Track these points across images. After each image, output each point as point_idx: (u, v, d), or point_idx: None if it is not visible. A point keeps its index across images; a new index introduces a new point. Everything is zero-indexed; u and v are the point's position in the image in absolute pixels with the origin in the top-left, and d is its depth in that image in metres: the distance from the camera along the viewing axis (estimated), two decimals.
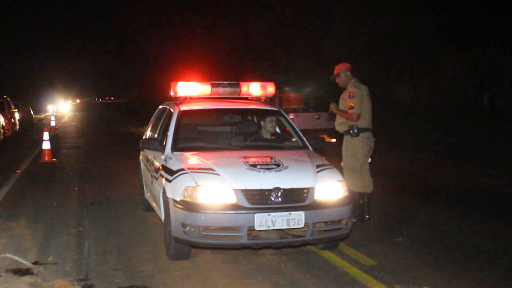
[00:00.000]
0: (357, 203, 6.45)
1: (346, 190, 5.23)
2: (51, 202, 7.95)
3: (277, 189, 4.85)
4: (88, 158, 13.47)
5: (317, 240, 5.14)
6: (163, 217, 5.44)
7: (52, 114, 28.85)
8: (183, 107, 6.36)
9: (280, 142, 6.28)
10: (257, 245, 4.98)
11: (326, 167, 5.35)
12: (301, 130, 6.47)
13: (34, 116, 29.58)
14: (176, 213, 4.90)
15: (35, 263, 5.13)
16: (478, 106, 20.80)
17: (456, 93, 22.11)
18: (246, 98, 6.99)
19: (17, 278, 4.73)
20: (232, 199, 4.80)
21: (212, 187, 4.86)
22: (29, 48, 41.59)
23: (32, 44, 41.96)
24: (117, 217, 7.04)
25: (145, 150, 6.86)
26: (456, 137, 15.94)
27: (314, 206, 4.91)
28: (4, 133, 17.77)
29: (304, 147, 6.09)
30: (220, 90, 6.68)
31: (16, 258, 5.23)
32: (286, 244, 5.05)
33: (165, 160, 5.62)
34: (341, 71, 6.70)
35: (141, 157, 7.41)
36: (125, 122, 29.90)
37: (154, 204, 6.24)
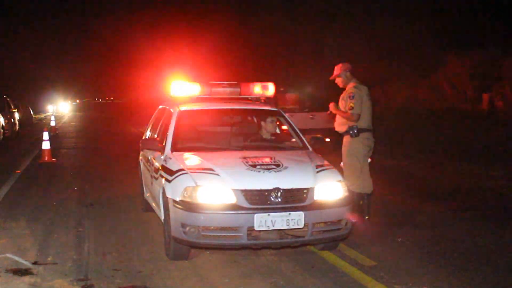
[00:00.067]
0: (357, 203, 6.45)
1: (346, 190, 5.23)
2: (51, 202, 7.95)
3: (276, 189, 4.85)
4: (88, 158, 13.47)
5: (316, 240, 5.14)
6: (162, 217, 5.44)
7: (52, 114, 28.84)
8: (183, 107, 6.36)
9: (280, 142, 6.28)
10: (257, 245, 4.98)
11: (326, 167, 5.36)
12: None
13: (34, 116, 29.58)
14: (176, 213, 4.90)
15: (34, 263, 5.13)
16: (478, 107, 20.78)
17: (456, 94, 22.09)
18: (246, 99, 6.99)
19: (16, 278, 4.73)
20: (232, 199, 4.80)
21: (211, 187, 4.86)
22: (29, 48, 41.57)
23: (32, 44, 41.92)
24: (117, 217, 7.04)
25: (145, 150, 6.86)
26: (456, 137, 15.93)
27: (314, 207, 4.91)
28: (3, 133, 17.76)
29: (304, 147, 6.09)
30: (220, 90, 6.68)
31: (16, 258, 5.22)
32: (285, 244, 5.05)
33: (164, 160, 5.62)
34: (341, 72, 6.71)
35: (140, 157, 7.41)
36: (125, 122, 29.90)
37: (153, 204, 6.24)
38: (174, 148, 5.77)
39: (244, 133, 6.48)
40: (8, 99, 20.50)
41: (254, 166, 5.12)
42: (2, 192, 8.66)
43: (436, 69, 23.26)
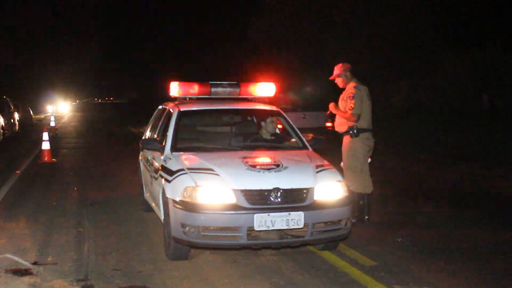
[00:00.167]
0: (357, 203, 6.45)
1: (346, 190, 5.23)
2: (51, 202, 7.95)
3: (276, 189, 4.85)
4: (87, 158, 13.47)
5: (316, 240, 5.14)
6: (162, 217, 5.43)
7: (52, 115, 28.80)
8: (183, 108, 6.35)
9: (280, 142, 6.28)
10: (257, 246, 4.98)
11: (325, 167, 5.35)
12: None
13: (33, 117, 29.57)
14: (176, 213, 4.90)
15: (34, 263, 5.12)
16: (478, 106, 20.80)
17: (456, 94, 22.10)
18: (246, 99, 6.98)
19: (16, 279, 4.73)
20: (232, 199, 4.80)
21: (211, 187, 4.86)
22: (29, 48, 41.53)
23: (32, 44, 41.89)
24: (117, 217, 7.04)
25: (145, 150, 6.86)
26: (455, 137, 15.93)
27: (314, 207, 4.91)
28: (3, 133, 17.76)
29: (304, 147, 6.08)
30: (220, 90, 6.67)
31: (16, 258, 5.22)
32: (285, 244, 5.05)
33: (164, 160, 5.62)
34: (341, 72, 6.70)
35: (140, 157, 7.41)
36: (125, 122, 29.89)
37: (153, 205, 6.23)
38: (174, 148, 5.77)
39: (244, 133, 6.48)
40: (8, 99, 20.52)
41: (254, 166, 5.12)
42: (2, 192, 8.67)
43: (436, 69, 23.27)
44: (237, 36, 31.00)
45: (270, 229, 4.77)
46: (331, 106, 6.78)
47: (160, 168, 5.66)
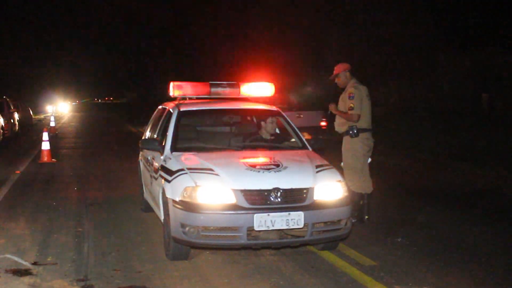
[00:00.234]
0: (357, 203, 6.45)
1: (346, 190, 5.23)
2: (51, 202, 7.95)
3: (276, 189, 4.85)
4: (87, 159, 13.46)
5: (316, 240, 5.14)
6: (162, 218, 5.43)
7: (52, 115, 28.81)
8: (183, 108, 6.35)
9: (280, 142, 6.28)
10: (257, 246, 4.98)
11: (325, 167, 5.35)
12: None
13: (33, 117, 29.58)
14: (175, 213, 4.90)
15: (34, 263, 5.12)
16: (478, 107, 20.78)
17: (456, 94, 22.09)
18: (246, 99, 6.98)
19: (16, 279, 4.73)
20: (232, 199, 4.80)
21: (211, 188, 4.86)
22: (29, 48, 41.61)
23: (32, 44, 41.97)
24: (116, 217, 7.04)
25: (145, 150, 6.85)
26: (455, 137, 15.93)
27: (314, 207, 4.90)
28: (3, 133, 17.76)
29: (304, 147, 6.08)
30: (220, 90, 6.68)
31: (16, 258, 5.22)
32: (285, 244, 5.05)
33: (164, 160, 5.62)
34: (341, 71, 6.70)
35: (140, 157, 7.41)
36: (125, 122, 29.90)
37: (153, 205, 6.23)
38: (174, 148, 5.76)
39: (244, 133, 6.48)
40: (7, 99, 20.51)
41: (253, 166, 5.12)
42: (2, 192, 8.66)
43: (436, 69, 23.27)
44: (236, 35, 30.98)
45: (270, 229, 4.77)
46: (331, 106, 6.78)
47: (160, 168, 5.66)
